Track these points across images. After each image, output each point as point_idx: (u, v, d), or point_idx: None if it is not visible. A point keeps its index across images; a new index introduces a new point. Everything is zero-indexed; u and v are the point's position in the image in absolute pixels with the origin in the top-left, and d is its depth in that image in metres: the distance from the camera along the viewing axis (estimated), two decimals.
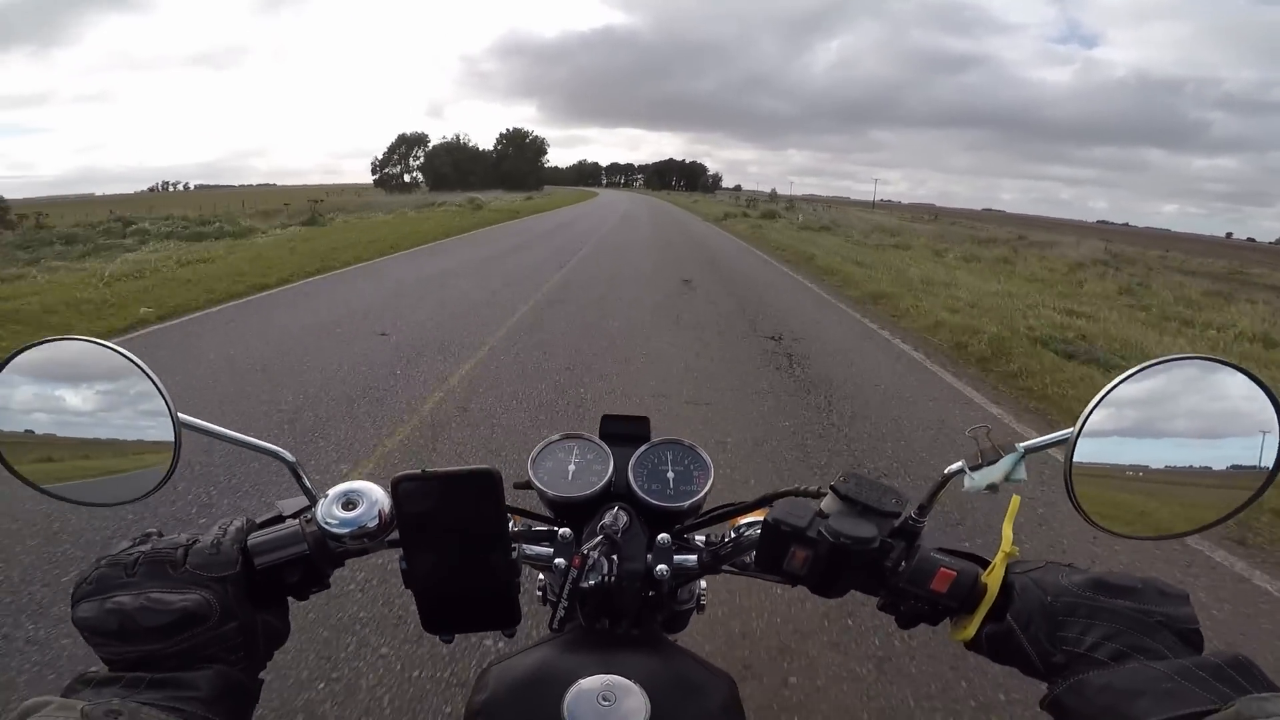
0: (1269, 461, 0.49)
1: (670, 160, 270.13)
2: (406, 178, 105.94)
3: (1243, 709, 0.37)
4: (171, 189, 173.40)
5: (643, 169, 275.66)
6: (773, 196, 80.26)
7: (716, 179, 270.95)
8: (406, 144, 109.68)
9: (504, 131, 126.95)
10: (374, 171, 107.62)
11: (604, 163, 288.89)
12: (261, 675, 0.53)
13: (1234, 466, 0.50)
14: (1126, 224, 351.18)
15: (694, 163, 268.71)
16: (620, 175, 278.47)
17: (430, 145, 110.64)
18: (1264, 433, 0.49)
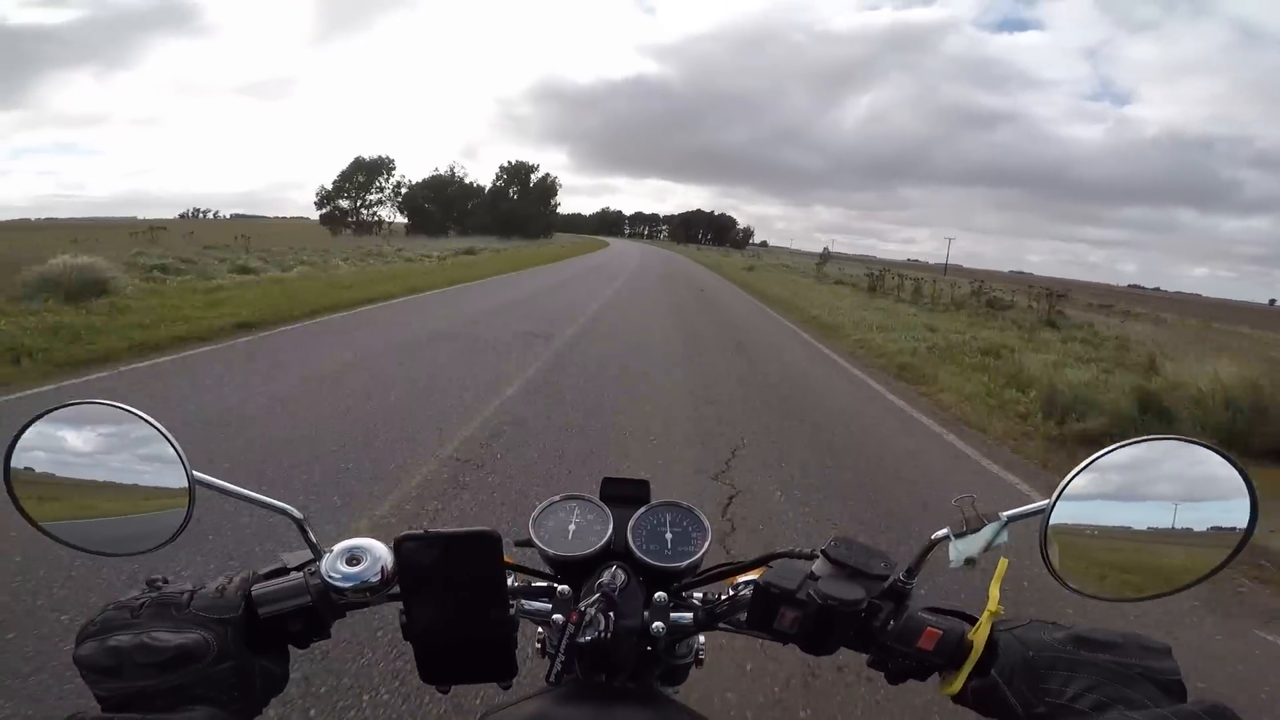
0: (1239, 524, 0.53)
1: (698, 211, 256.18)
2: (366, 213, 79.66)
3: None
4: (203, 216, 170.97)
5: (668, 220, 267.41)
6: (824, 257, 71.04)
7: (747, 233, 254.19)
8: (366, 171, 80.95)
9: (505, 165, 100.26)
10: (319, 205, 78.91)
11: (628, 211, 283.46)
12: None
13: (1209, 530, 0.54)
14: (1159, 288, 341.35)
15: (722, 215, 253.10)
16: (644, 225, 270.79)
17: (397, 173, 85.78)
18: (1233, 502, 0.53)
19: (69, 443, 0.58)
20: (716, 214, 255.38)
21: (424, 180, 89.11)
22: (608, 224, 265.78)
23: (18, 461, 0.56)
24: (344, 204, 79.27)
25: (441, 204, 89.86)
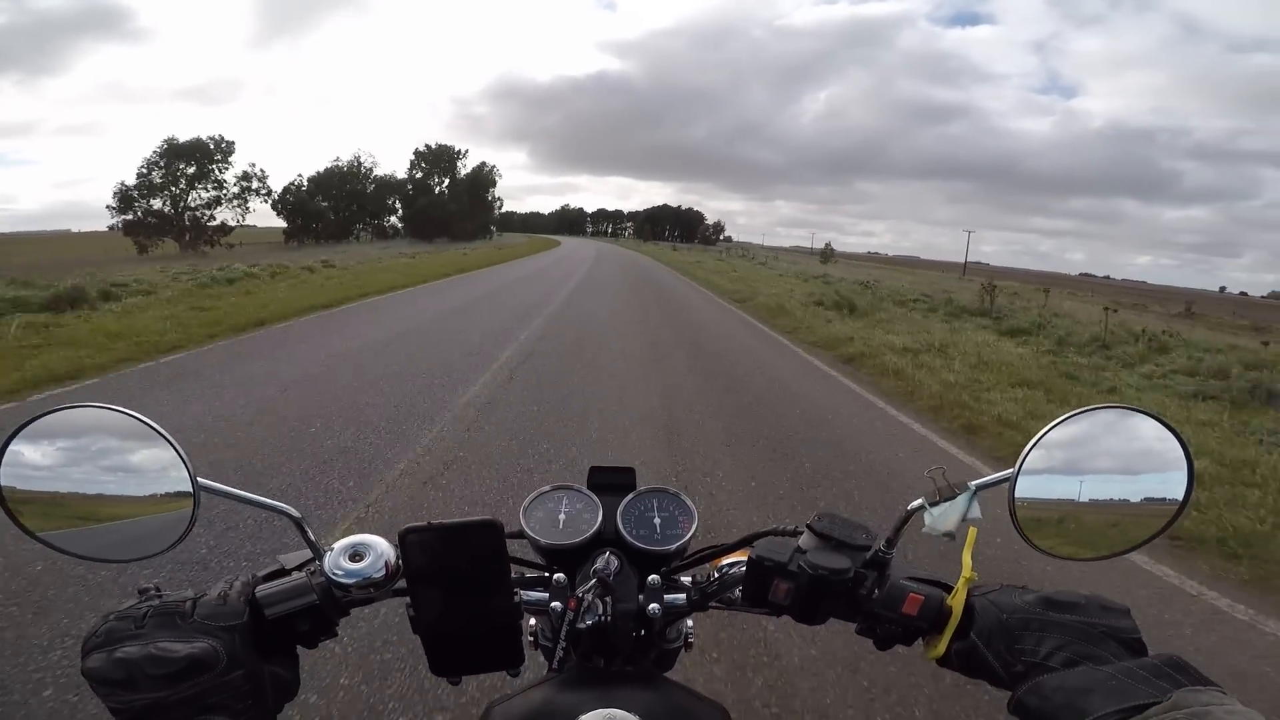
0: (1178, 493, 0.59)
1: (664, 207, 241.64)
2: (202, 218, 53.29)
3: (1179, 700, 0.43)
4: None
5: (632, 216, 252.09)
6: (826, 253, 58.93)
7: (718, 229, 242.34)
8: (189, 158, 52.83)
9: (421, 150, 77.99)
10: (120, 208, 50.86)
11: (590, 208, 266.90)
12: None
13: (1150, 498, 0.60)
14: (1108, 277, 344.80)
15: (690, 209, 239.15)
16: (607, 223, 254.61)
17: (249, 162, 64.12)
18: (1174, 469, 0.59)
19: (65, 447, 0.56)
20: (684, 209, 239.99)
21: (317, 175, 70.52)
22: (568, 222, 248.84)
23: (9, 469, 0.53)
24: (162, 205, 52.12)
25: (342, 202, 70.22)
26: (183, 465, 0.56)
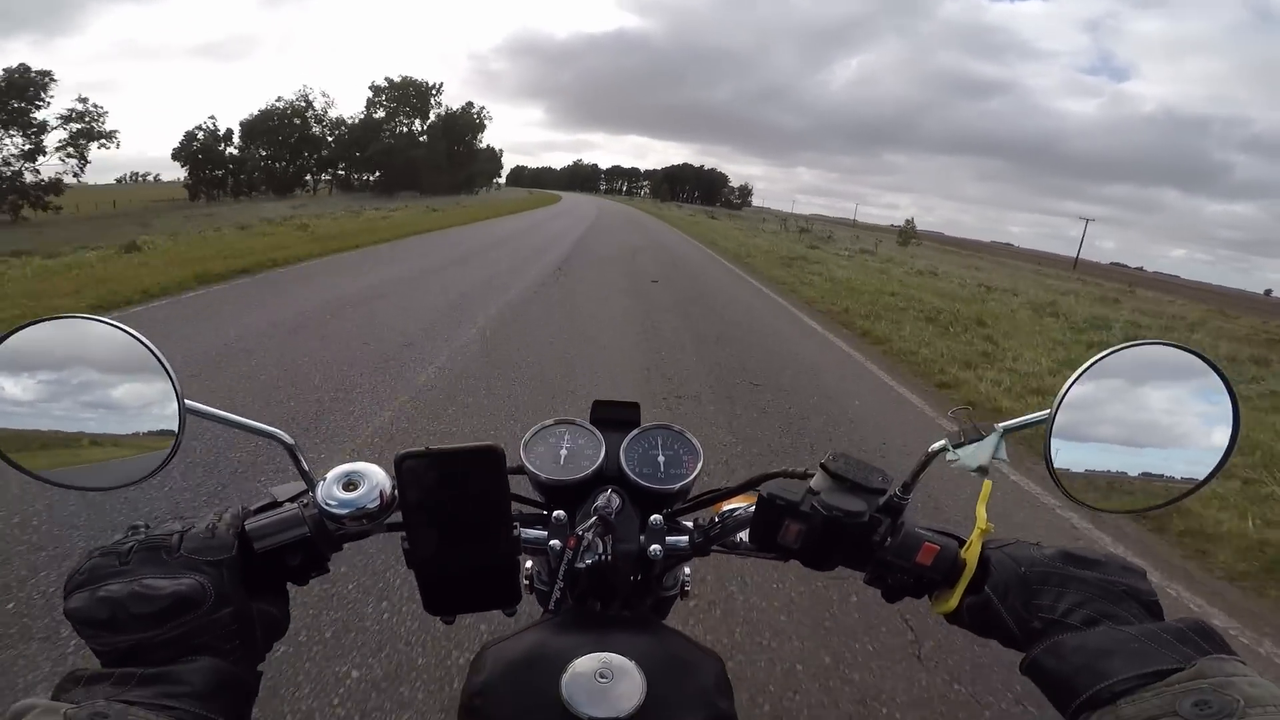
0: (1224, 440, 0.55)
1: (685, 166, 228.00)
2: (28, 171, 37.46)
3: (1204, 668, 0.42)
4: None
5: (649, 175, 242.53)
6: (907, 232, 46.35)
7: (744, 192, 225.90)
8: None
9: (380, 85, 63.88)
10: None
11: (605, 165, 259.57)
12: (260, 668, 0.52)
13: (1194, 445, 0.56)
14: (1141, 268, 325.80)
15: (712, 170, 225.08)
16: (622, 181, 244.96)
17: (70, 98, 44.47)
18: (1218, 412, 0.55)
19: (45, 363, 0.52)
20: (705, 168, 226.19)
21: (252, 117, 57.03)
22: (581, 179, 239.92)
23: None
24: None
25: (282, 150, 56.65)
26: (170, 383, 0.52)
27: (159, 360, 0.51)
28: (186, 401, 0.53)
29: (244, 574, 0.51)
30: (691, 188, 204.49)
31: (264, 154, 56.77)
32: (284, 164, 58.11)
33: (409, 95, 63.86)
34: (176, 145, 53.01)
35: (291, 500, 0.57)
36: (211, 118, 62.06)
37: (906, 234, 42.78)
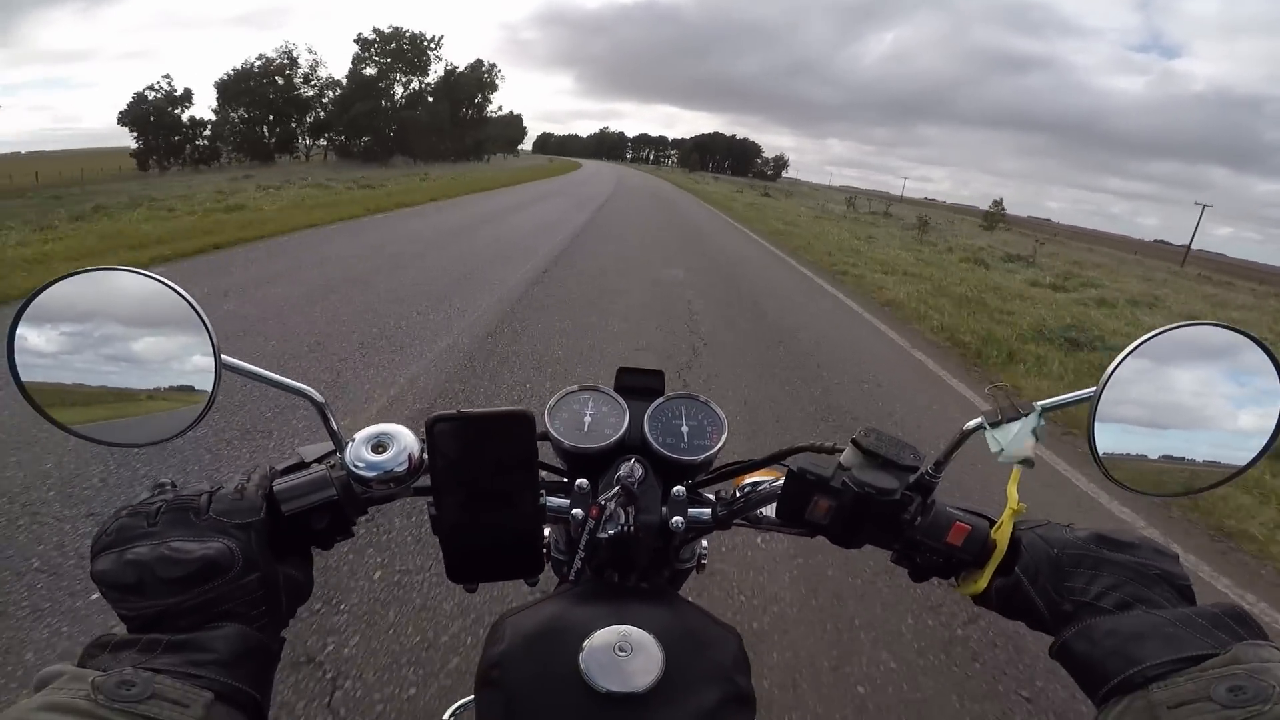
0: (1269, 423, 0.53)
1: (716, 135, 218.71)
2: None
3: (1239, 654, 0.41)
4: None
5: (677, 144, 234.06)
6: (995, 216, 38.04)
7: (779, 163, 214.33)
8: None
9: (367, 37, 54.30)
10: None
11: (632, 133, 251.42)
12: (283, 634, 0.52)
13: (1241, 426, 0.55)
14: (1185, 247, 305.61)
15: (745, 139, 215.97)
16: (649, 149, 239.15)
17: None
18: (1266, 394, 0.53)
19: (81, 316, 0.51)
20: (737, 137, 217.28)
21: (224, 79, 47.10)
22: (607, 146, 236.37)
23: (22, 355, 0.50)
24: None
25: (264, 110, 48.51)
26: (207, 336, 0.51)
27: (197, 312, 0.51)
28: (223, 357, 0.52)
29: (271, 538, 0.51)
30: (722, 157, 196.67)
31: (243, 117, 49.27)
32: (267, 128, 50.72)
33: (403, 50, 54.21)
34: (123, 109, 45.69)
35: (319, 461, 0.57)
36: (166, 76, 51.96)
37: (994, 218, 35.11)
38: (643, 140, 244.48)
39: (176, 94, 46.16)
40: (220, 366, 0.52)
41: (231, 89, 49.41)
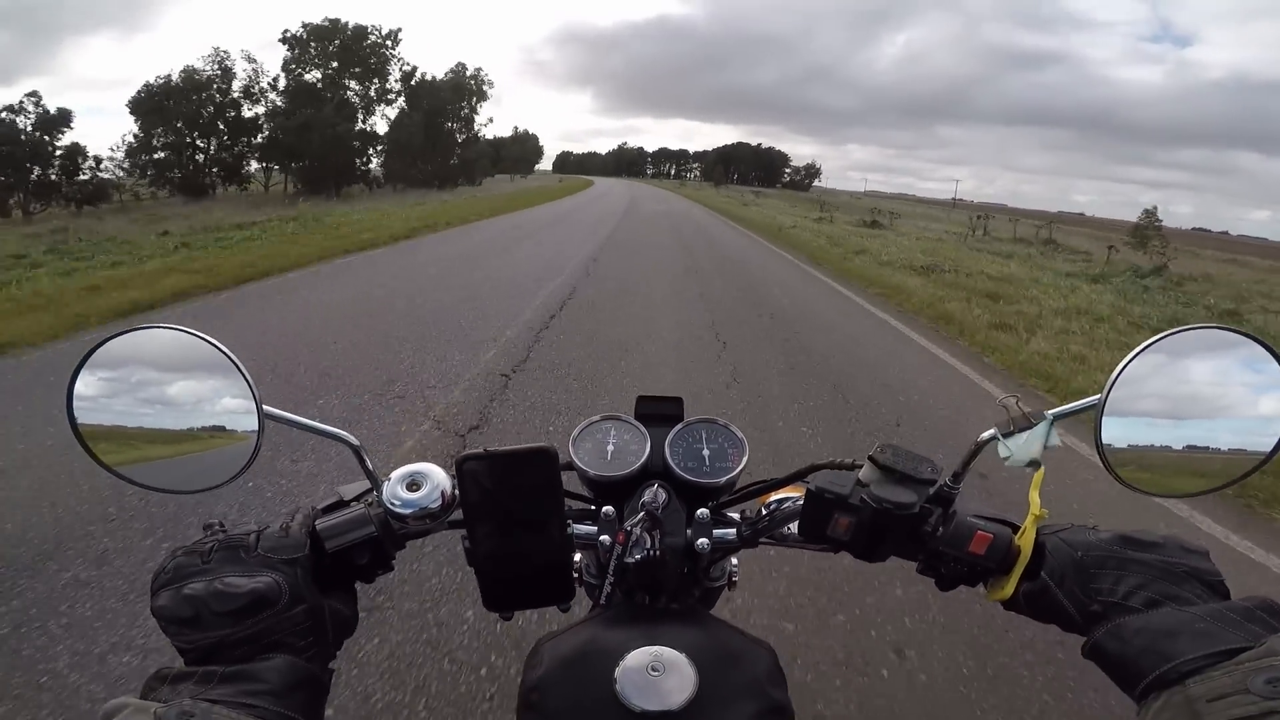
0: (1277, 426, 0.54)
1: (740, 145, 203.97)
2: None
3: (1274, 645, 0.41)
4: None
5: (699, 156, 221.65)
6: (1147, 231, 23.13)
7: (810, 172, 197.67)
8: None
9: (298, 33, 39.30)
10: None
11: (650, 149, 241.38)
12: (331, 665, 0.54)
13: (1249, 429, 0.55)
14: (1225, 232, 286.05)
15: (770, 149, 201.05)
16: (670, 164, 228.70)
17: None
18: (1273, 396, 0.54)
19: (133, 371, 0.56)
20: (763, 147, 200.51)
21: (138, 96, 35.03)
22: (626, 163, 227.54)
23: (80, 401, 0.54)
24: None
25: (197, 130, 35.52)
26: (248, 390, 0.55)
27: (238, 367, 0.54)
28: (265, 407, 0.55)
29: (316, 572, 0.54)
30: (748, 168, 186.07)
31: (165, 143, 36.87)
32: (189, 155, 38.33)
33: (350, 49, 40.06)
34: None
35: (357, 500, 0.60)
36: (32, 95, 34.75)
37: (1146, 234, 23.21)
38: (663, 155, 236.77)
39: (48, 115, 32.55)
40: (263, 416, 0.55)
41: (144, 108, 36.24)
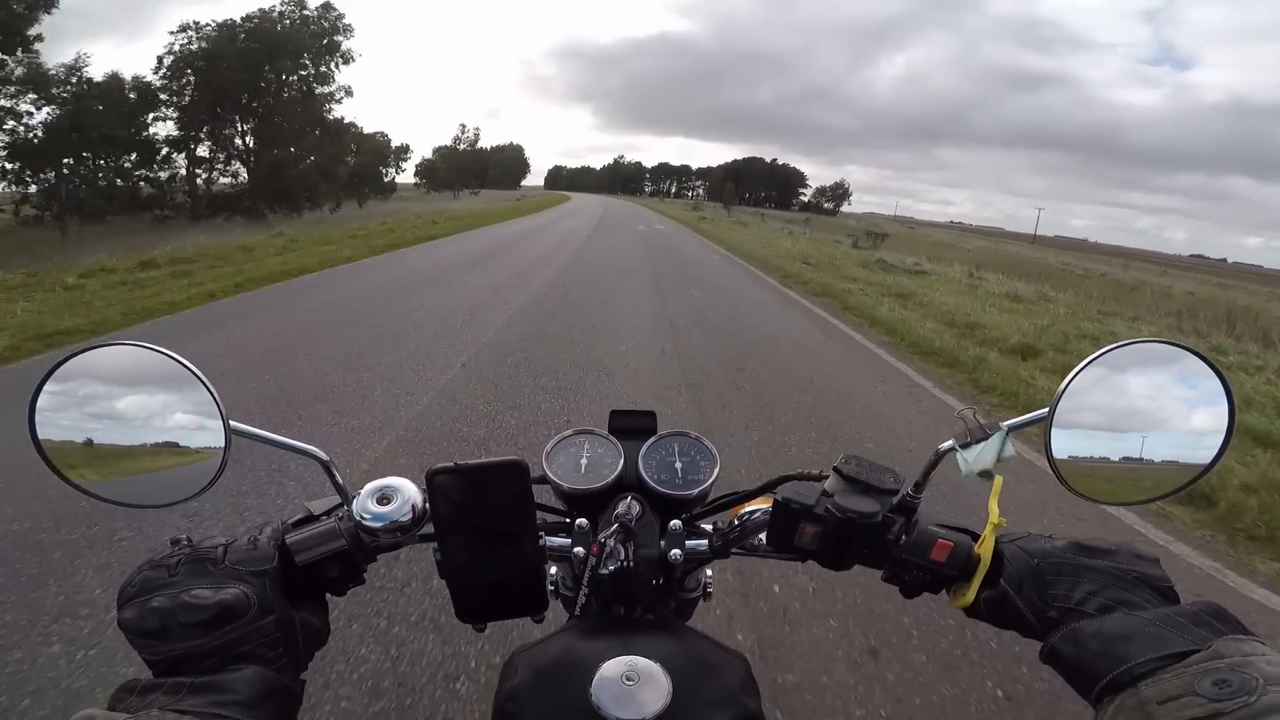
0: (1219, 433, 0.56)
1: (752, 160, 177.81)
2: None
3: (1220, 648, 0.43)
4: None
5: (703, 174, 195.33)
6: None
7: (838, 193, 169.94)
8: None
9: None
10: None
11: (650, 163, 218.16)
12: (303, 676, 0.54)
13: (1189, 438, 0.58)
14: (1224, 260, 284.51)
15: (786, 165, 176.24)
16: (670, 180, 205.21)
17: None
18: (1214, 407, 0.56)
19: (98, 388, 0.56)
20: (778, 163, 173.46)
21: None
22: (623, 179, 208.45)
23: (43, 415, 0.54)
24: None
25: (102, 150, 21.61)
26: (215, 405, 0.55)
27: (204, 384, 0.54)
28: (231, 422, 0.56)
29: (285, 585, 0.54)
30: (762, 188, 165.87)
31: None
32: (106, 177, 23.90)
33: (260, 27, 26.55)
34: None
35: (327, 514, 0.60)
36: None
37: None
38: (663, 171, 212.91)
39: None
40: (229, 432, 0.56)
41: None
